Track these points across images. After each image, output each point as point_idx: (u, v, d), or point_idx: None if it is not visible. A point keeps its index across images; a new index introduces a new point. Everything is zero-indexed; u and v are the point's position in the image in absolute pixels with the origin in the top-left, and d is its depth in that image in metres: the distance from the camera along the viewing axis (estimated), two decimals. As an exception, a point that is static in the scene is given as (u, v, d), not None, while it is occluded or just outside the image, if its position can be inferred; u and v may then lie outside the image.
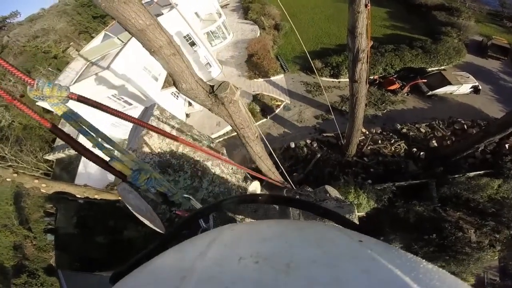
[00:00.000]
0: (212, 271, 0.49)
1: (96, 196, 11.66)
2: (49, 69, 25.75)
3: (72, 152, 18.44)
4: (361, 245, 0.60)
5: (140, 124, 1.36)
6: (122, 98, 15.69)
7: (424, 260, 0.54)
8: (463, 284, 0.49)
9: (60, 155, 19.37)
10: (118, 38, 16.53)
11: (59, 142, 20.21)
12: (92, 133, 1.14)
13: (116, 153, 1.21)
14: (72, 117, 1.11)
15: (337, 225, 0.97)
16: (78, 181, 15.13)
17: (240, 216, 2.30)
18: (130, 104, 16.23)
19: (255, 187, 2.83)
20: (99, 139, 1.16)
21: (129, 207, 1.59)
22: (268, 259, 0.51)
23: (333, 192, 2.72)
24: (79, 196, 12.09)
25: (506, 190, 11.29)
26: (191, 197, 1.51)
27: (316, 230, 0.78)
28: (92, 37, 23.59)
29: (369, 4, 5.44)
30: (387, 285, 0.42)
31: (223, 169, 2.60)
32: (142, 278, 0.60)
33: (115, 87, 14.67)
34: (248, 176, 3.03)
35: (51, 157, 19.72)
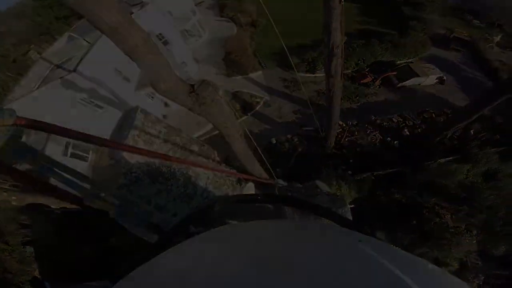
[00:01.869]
0: (212, 271, 0.49)
1: (73, 205, 11.03)
2: (9, 74, 23.79)
3: (42, 160, 17.24)
4: (361, 245, 0.60)
5: (122, 148, 1.13)
6: (93, 102, 14.85)
7: (424, 260, 0.56)
8: (464, 284, 0.50)
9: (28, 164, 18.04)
10: (84, 39, 15.61)
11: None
12: (58, 170, 0.84)
13: (90, 189, 1.01)
14: (25, 153, 0.73)
15: (336, 224, 0.98)
16: (49, 192, 14.19)
17: (235, 216, 2.24)
18: (101, 108, 15.42)
19: (251, 190, 2.79)
20: (68, 176, 0.91)
21: (120, 221, 1.46)
22: (268, 259, 0.50)
23: (324, 187, 2.76)
24: (54, 207, 11.40)
25: (474, 175, 12.09)
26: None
27: (316, 230, 0.78)
28: (55, 39, 22.07)
29: (343, 0, 5.57)
30: (387, 285, 0.42)
31: (216, 172, 2.50)
32: (143, 278, 0.59)
33: (83, 91, 13.82)
34: (241, 178, 2.98)
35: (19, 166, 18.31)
